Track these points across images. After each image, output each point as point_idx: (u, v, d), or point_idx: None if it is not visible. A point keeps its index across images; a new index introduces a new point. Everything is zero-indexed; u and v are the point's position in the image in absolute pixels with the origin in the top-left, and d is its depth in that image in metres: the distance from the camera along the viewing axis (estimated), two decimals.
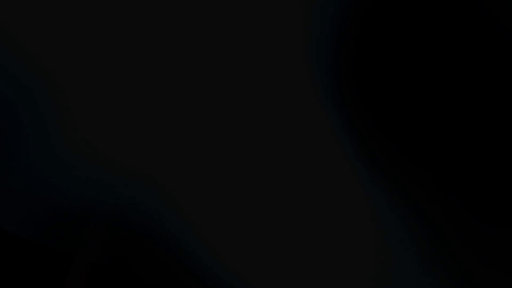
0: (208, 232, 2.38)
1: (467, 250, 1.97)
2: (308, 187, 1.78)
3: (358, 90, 1.27)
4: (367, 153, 1.52)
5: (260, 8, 1.07)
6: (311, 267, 2.56)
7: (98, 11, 1.16)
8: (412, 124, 1.36)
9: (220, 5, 1.08)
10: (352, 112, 1.36)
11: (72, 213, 2.32)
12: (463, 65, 1.14)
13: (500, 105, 1.24)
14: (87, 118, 1.59)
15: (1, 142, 1.80)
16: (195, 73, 1.32)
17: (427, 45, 1.11)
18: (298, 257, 2.45)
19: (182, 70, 1.32)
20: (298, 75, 1.25)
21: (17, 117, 1.64)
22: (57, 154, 1.83)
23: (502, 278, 2.11)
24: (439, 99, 1.25)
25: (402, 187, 1.68)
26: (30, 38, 1.28)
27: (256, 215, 2.08)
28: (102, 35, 1.24)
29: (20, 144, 1.80)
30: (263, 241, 2.34)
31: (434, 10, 1.02)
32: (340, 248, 2.23)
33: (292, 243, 2.29)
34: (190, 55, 1.26)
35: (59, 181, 2.04)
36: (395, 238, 2.02)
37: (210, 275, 2.99)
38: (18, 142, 1.79)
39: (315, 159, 1.60)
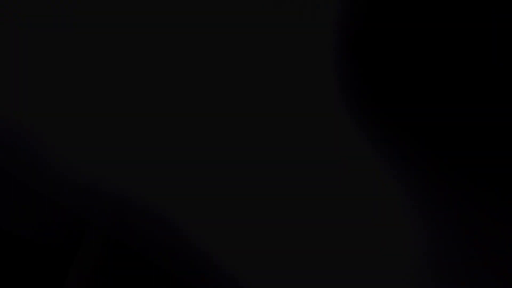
0: (210, 229, 2.38)
1: (480, 256, 1.97)
2: (314, 185, 1.78)
3: (366, 88, 1.27)
4: (375, 150, 1.51)
5: (269, 8, 1.07)
6: (312, 268, 2.56)
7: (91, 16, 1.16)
8: (421, 120, 1.35)
9: (228, 5, 1.08)
10: (360, 110, 1.36)
11: (72, 213, 2.32)
12: (468, 64, 1.14)
13: (507, 103, 1.23)
14: (88, 117, 1.59)
15: (3, 143, 1.80)
16: (195, 68, 1.32)
17: (434, 44, 1.11)
18: (298, 257, 2.45)
19: (182, 68, 1.32)
20: (304, 73, 1.25)
21: (18, 121, 1.64)
22: (58, 153, 1.83)
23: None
24: (449, 99, 1.25)
25: (412, 187, 1.67)
26: None
27: (261, 213, 2.08)
28: (92, 42, 1.24)
29: (20, 145, 1.81)
30: (266, 240, 2.34)
31: (446, 10, 1.02)
32: (343, 247, 2.23)
33: (295, 242, 2.29)
34: (188, 54, 1.26)
35: (59, 181, 2.04)
36: (404, 238, 2.01)
37: (213, 271, 3.00)
38: (19, 142, 1.80)
39: (321, 157, 1.60)
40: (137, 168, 1.83)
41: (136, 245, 2.70)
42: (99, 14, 1.17)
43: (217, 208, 2.08)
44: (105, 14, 1.16)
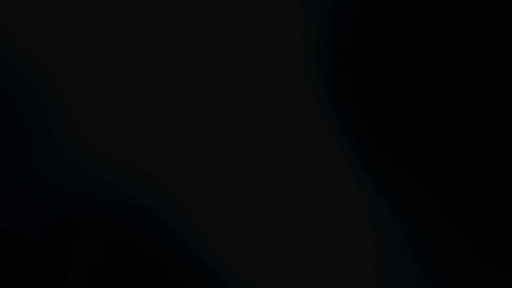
0: (209, 232, 2.38)
1: (467, 253, 1.97)
2: (307, 188, 1.78)
3: (358, 91, 1.27)
4: (367, 154, 1.52)
5: (259, 8, 1.07)
6: (309, 268, 2.56)
7: (99, 11, 1.16)
8: (412, 125, 1.36)
9: (219, 5, 1.08)
10: (352, 113, 1.36)
11: (72, 213, 2.32)
12: (463, 65, 1.14)
13: (501, 106, 1.23)
14: (88, 117, 1.59)
15: (2, 142, 1.80)
16: (195, 74, 1.32)
17: (427, 46, 1.11)
18: (297, 258, 2.45)
19: (182, 70, 1.32)
20: (297, 76, 1.25)
21: (18, 116, 1.64)
22: (58, 153, 1.83)
23: (502, 280, 2.10)
24: (439, 100, 1.25)
25: (403, 189, 1.68)
26: (33, 38, 1.29)
27: (256, 216, 2.08)
28: (103, 35, 1.24)
29: (20, 144, 1.81)
30: (263, 241, 2.34)
31: (434, 10, 1.02)
32: (338, 249, 2.23)
33: (292, 244, 2.29)
34: (190, 55, 1.26)
35: (59, 181, 2.04)
36: (395, 240, 2.02)
37: (210, 275, 3.00)
38: (19, 141, 1.79)
39: (314, 160, 1.60)
40: (138, 166, 1.83)
41: (136, 245, 2.70)
42: None
43: (222, 211, 2.08)
44: None
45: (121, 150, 1.74)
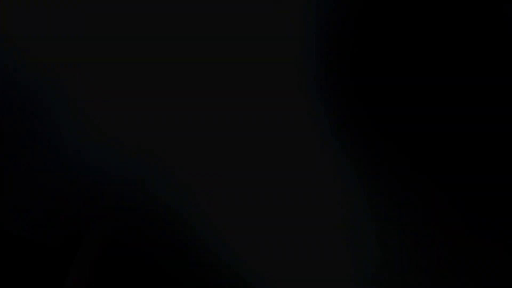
0: (213, 229, 2.38)
1: (459, 255, 1.97)
2: (300, 183, 1.78)
3: (351, 90, 1.28)
4: (359, 152, 1.52)
5: (254, 6, 1.07)
6: (305, 261, 2.56)
7: (99, 9, 1.17)
8: (406, 123, 1.36)
9: (215, 3, 1.08)
10: (343, 111, 1.36)
11: (73, 212, 2.32)
12: (461, 65, 1.15)
13: (499, 107, 1.24)
14: (90, 111, 1.59)
15: (2, 144, 1.80)
16: (191, 66, 1.32)
17: (423, 45, 1.11)
18: (290, 249, 2.45)
19: (180, 64, 1.32)
20: (291, 74, 1.26)
21: (18, 117, 1.64)
22: (57, 155, 1.83)
23: (497, 282, 2.10)
24: (437, 99, 1.25)
25: (395, 187, 1.68)
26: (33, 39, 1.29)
27: (253, 208, 2.08)
28: (103, 28, 1.24)
29: (20, 146, 1.81)
30: (260, 233, 2.34)
31: (433, 10, 1.03)
32: (331, 244, 2.23)
33: (286, 237, 2.29)
34: (186, 50, 1.26)
35: (59, 181, 2.04)
36: (388, 239, 2.02)
37: (220, 267, 3.00)
38: (18, 144, 1.79)
39: (306, 156, 1.61)
40: (137, 167, 1.84)
41: (135, 244, 2.70)
42: None
43: (222, 209, 2.08)
44: None
45: (121, 148, 1.74)
